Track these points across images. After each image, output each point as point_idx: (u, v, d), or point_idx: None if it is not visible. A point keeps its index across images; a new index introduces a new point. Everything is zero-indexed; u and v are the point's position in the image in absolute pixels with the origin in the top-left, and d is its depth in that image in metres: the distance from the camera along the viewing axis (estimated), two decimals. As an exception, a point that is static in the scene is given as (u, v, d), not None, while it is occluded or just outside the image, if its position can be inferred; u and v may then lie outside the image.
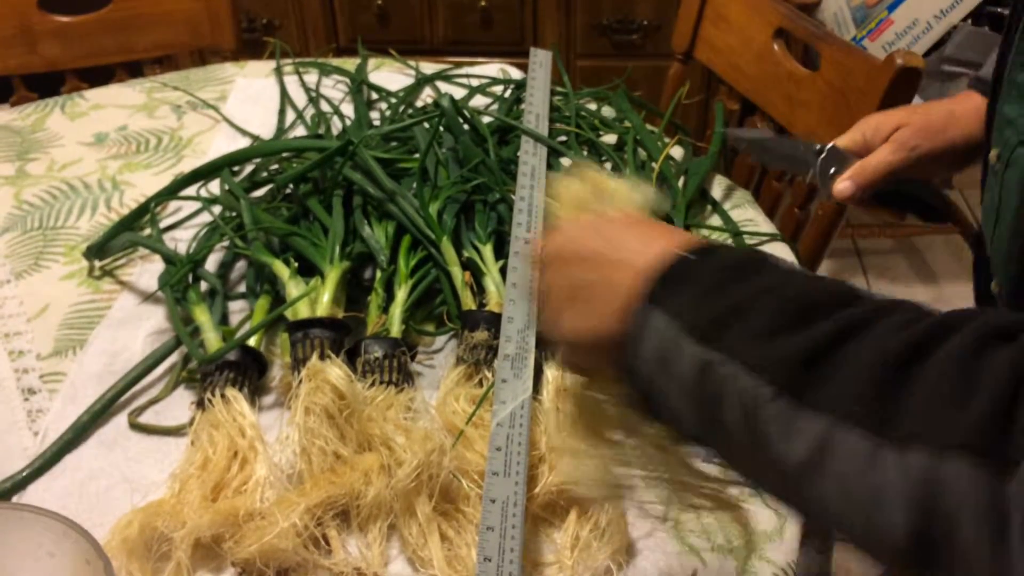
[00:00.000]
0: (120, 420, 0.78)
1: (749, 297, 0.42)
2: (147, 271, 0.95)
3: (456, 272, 0.87)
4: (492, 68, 1.32)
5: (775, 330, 0.41)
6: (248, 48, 1.57)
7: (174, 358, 0.84)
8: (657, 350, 0.44)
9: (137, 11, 1.41)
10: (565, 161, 1.05)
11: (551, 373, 0.78)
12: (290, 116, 1.22)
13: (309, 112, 1.22)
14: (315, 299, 0.83)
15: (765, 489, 0.44)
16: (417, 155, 1.02)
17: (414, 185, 0.96)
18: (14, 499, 0.71)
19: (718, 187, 1.07)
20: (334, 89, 1.29)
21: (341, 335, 0.80)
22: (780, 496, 0.43)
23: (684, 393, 0.43)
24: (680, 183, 1.03)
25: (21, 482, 0.72)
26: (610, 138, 1.14)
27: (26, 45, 1.38)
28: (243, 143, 1.16)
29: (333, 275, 0.85)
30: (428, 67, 1.33)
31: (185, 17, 1.43)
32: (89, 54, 1.41)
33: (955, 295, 2.06)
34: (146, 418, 0.79)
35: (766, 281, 0.44)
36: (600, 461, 0.53)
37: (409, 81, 1.28)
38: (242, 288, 0.92)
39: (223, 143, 1.17)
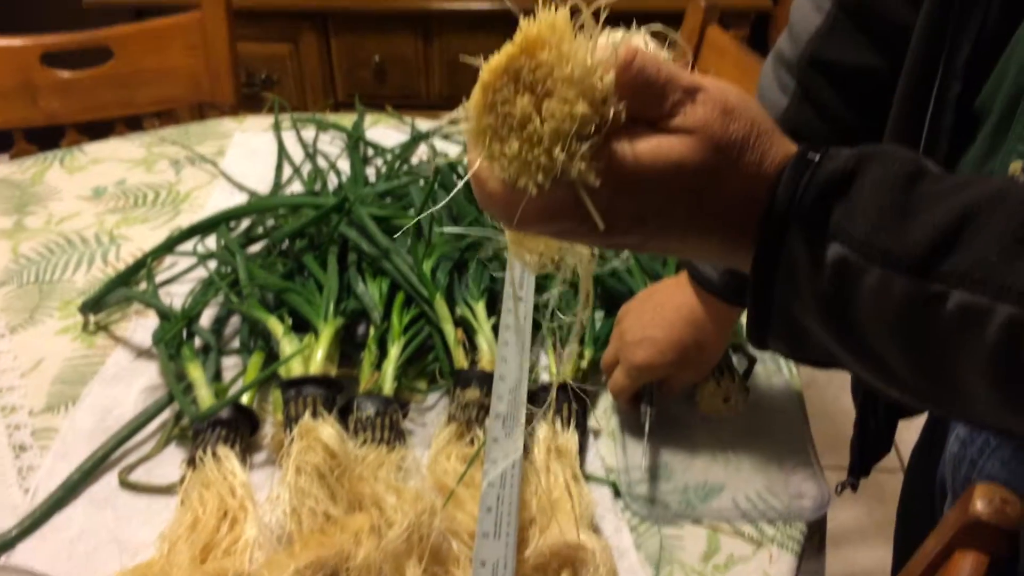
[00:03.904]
0: (111, 478, 0.78)
1: (951, 214, 0.37)
2: (142, 326, 0.96)
3: (449, 329, 0.88)
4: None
5: (1013, 252, 0.36)
6: (247, 102, 1.60)
7: (166, 414, 0.84)
8: (830, 285, 0.40)
9: (139, 67, 1.43)
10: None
11: (542, 433, 0.78)
12: (287, 171, 1.23)
13: (306, 167, 1.23)
14: (308, 356, 0.83)
15: (949, 406, 0.42)
16: (412, 211, 1.03)
17: (409, 241, 0.97)
18: (2, 560, 0.71)
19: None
20: (331, 144, 1.31)
21: (334, 392, 0.81)
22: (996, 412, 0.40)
23: (880, 323, 0.39)
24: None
25: (10, 542, 0.72)
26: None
27: (27, 99, 1.40)
28: (240, 197, 1.18)
29: (327, 332, 0.85)
30: (424, 123, 1.35)
31: (186, 73, 1.45)
32: (90, 108, 1.43)
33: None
34: (137, 476, 0.79)
35: (948, 188, 0.39)
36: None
37: (405, 136, 1.30)
38: (236, 343, 0.93)
39: (220, 198, 1.18)
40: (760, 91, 0.77)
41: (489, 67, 0.40)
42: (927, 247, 0.38)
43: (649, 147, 0.40)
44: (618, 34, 0.41)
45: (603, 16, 0.40)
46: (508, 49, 0.40)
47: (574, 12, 0.40)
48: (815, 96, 0.72)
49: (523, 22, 0.40)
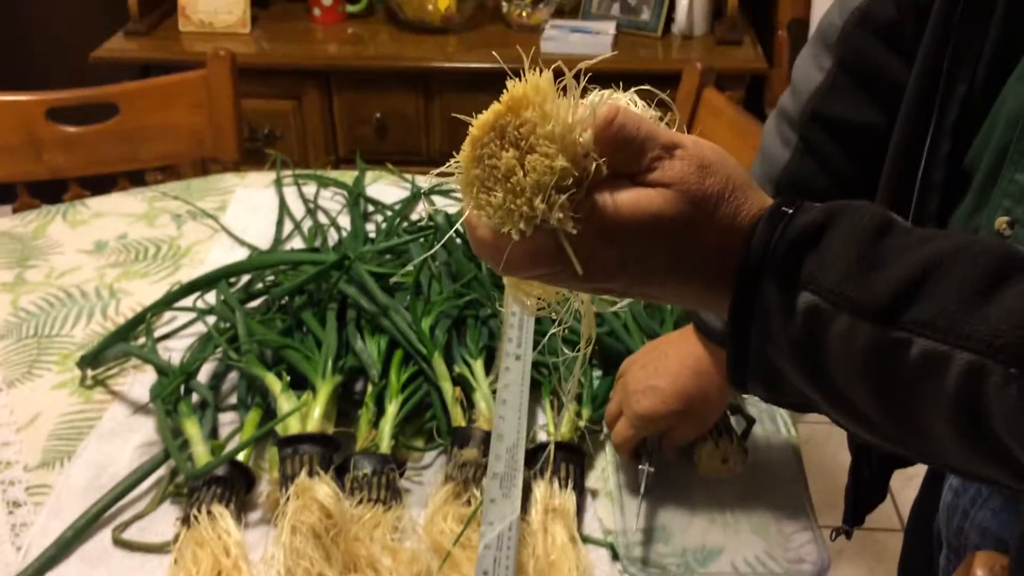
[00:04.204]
0: (104, 536, 0.78)
1: (915, 266, 0.40)
2: (139, 381, 0.96)
3: (447, 387, 0.88)
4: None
5: (972, 303, 0.38)
6: (250, 157, 1.61)
7: (162, 471, 0.84)
8: (801, 331, 0.42)
9: (143, 123, 1.45)
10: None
11: (539, 493, 0.78)
12: (288, 226, 1.24)
13: (307, 223, 1.24)
14: (306, 414, 0.83)
15: (914, 442, 0.43)
16: (411, 267, 1.04)
17: (408, 298, 0.97)
18: (-9, 618, 0.70)
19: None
20: (332, 200, 1.32)
21: (331, 451, 0.81)
22: (954, 455, 0.41)
23: (848, 368, 0.41)
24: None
25: (0, 600, 0.71)
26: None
27: (32, 153, 1.41)
28: (241, 252, 1.18)
29: (325, 389, 0.85)
30: (424, 180, 1.36)
31: (190, 129, 1.47)
32: (93, 163, 1.45)
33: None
34: (131, 533, 0.78)
35: (913, 241, 0.41)
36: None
37: (405, 192, 1.31)
38: (233, 399, 0.93)
39: (220, 253, 1.19)
40: (763, 146, 0.79)
41: (477, 123, 0.43)
42: (891, 296, 0.40)
43: (629, 198, 0.42)
44: (600, 95, 0.44)
45: (584, 79, 0.43)
46: (495, 107, 0.43)
47: (559, 75, 0.43)
48: (816, 150, 0.74)
49: (510, 83, 0.42)
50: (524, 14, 2.07)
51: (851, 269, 0.41)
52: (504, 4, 2.09)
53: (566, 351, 0.57)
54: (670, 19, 2.07)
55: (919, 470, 0.87)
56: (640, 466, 0.81)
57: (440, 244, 1.05)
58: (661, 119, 0.45)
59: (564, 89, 0.43)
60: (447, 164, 0.45)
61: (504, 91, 0.42)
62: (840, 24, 0.71)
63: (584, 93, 0.43)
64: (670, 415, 0.79)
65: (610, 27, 2.05)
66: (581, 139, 0.42)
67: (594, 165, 0.42)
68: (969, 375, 0.38)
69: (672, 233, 0.43)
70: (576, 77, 0.43)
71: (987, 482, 0.44)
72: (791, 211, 0.43)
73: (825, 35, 0.73)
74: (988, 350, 0.38)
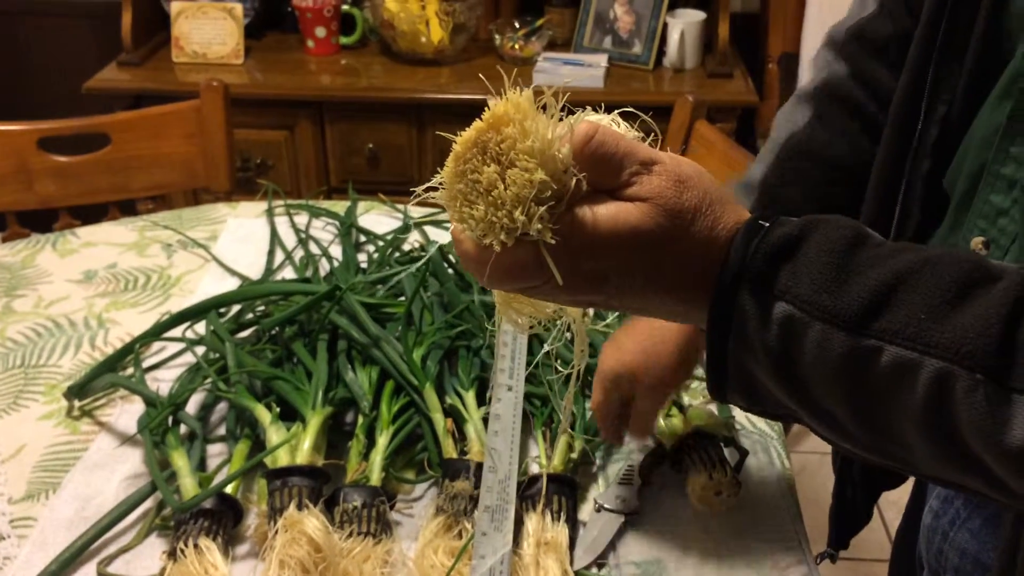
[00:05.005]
0: (89, 570, 0.76)
1: (886, 276, 0.41)
2: (127, 412, 0.95)
3: (438, 419, 0.87)
4: (478, 213, 1.35)
5: (940, 311, 0.40)
6: (242, 187, 1.61)
7: (148, 503, 0.82)
8: (777, 339, 0.43)
9: (135, 153, 1.45)
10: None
11: (531, 525, 0.77)
12: (279, 256, 1.24)
13: (298, 253, 1.24)
14: (295, 446, 0.82)
15: (897, 452, 0.43)
16: (403, 298, 1.03)
17: (399, 329, 0.97)
18: (-29, 655, 0.69)
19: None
20: (323, 231, 1.32)
21: (320, 483, 0.80)
22: (942, 465, 0.42)
23: (823, 376, 0.42)
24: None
25: (-20, 637, 0.70)
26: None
27: (23, 183, 1.41)
28: (231, 282, 1.18)
29: (315, 421, 0.85)
30: (416, 210, 1.36)
31: (182, 159, 1.47)
32: (84, 193, 1.44)
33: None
34: (116, 567, 0.77)
35: (884, 252, 0.42)
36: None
37: (397, 223, 1.31)
38: (222, 430, 0.92)
39: (211, 283, 1.18)
40: (775, 124, 0.80)
41: (460, 140, 0.45)
42: (863, 305, 0.41)
43: (608, 212, 0.43)
44: (580, 114, 0.46)
45: (563, 98, 0.44)
46: (477, 124, 0.44)
47: (539, 95, 0.44)
48: (795, 180, 0.76)
49: (491, 101, 0.44)
50: (516, 47, 2.09)
51: (825, 279, 0.42)
52: (496, 37, 2.10)
53: (560, 369, 0.57)
54: (661, 52, 2.09)
55: (908, 496, 0.87)
56: (595, 511, 0.82)
57: (428, 266, 1.05)
58: (644, 139, 0.46)
59: (545, 108, 0.44)
60: (431, 180, 0.46)
61: (485, 110, 0.44)
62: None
63: (568, 115, 0.45)
64: (630, 366, 0.78)
65: (602, 60, 2.06)
66: (560, 154, 0.43)
67: (574, 180, 0.43)
68: (938, 382, 0.40)
69: (650, 246, 0.44)
70: (556, 98, 0.44)
71: (960, 489, 0.46)
72: (767, 224, 0.44)
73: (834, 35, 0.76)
74: (955, 357, 0.39)
